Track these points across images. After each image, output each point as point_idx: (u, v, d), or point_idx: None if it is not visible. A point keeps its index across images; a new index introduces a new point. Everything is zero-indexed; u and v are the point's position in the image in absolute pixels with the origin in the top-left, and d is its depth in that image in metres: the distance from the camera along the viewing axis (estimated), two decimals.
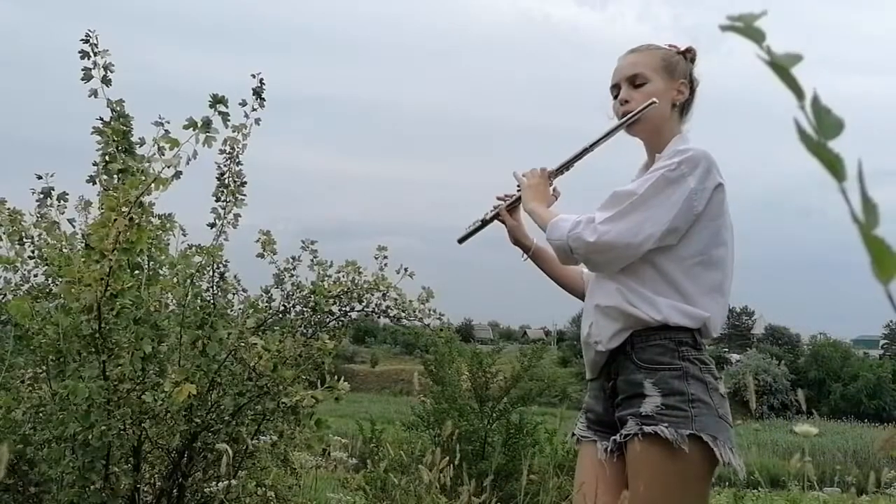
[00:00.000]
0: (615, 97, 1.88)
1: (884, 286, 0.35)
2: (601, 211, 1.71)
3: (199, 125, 2.23)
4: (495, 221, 2.04)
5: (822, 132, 0.32)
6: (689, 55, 1.89)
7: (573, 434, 1.91)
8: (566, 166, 1.96)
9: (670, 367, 1.64)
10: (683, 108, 1.87)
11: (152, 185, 2.16)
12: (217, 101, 2.39)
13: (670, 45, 1.90)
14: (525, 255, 2.05)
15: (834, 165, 0.33)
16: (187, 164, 2.18)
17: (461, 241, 2.07)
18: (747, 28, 0.33)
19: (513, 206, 2.02)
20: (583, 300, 1.99)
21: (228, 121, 2.47)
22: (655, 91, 1.81)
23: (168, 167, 2.12)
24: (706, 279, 1.70)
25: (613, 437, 1.72)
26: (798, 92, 0.32)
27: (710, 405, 1.62)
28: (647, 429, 1.61)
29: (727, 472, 1.68)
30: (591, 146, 1.92)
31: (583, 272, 2.05)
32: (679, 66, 1.86)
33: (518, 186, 2.00)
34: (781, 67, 0.32)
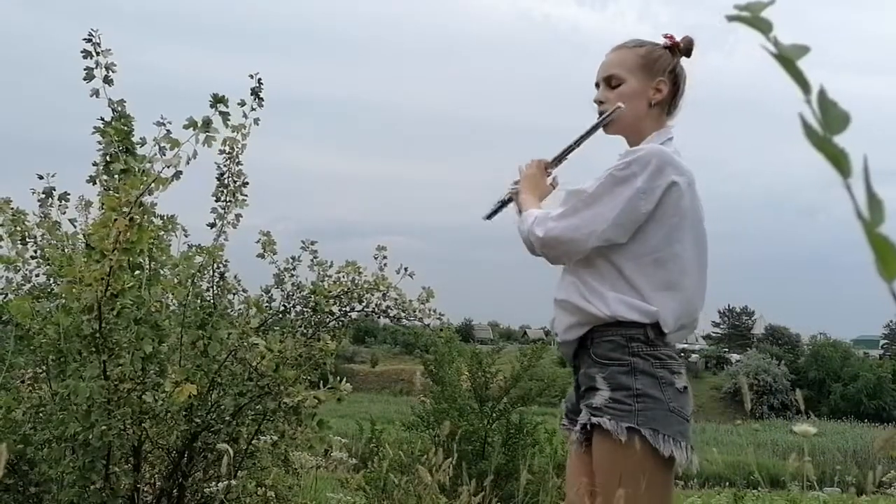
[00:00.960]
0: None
1: (888, 284, 0.35)
2: (554, 208, 1.80)
3: (199, 125, 2.23)
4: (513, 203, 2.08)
5: (827, 126, 0.32)
6: (678, 49, 1.88)
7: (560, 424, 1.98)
8: (558, 160, 2.01)
9: (619, 363, 1.68)
10: (668, 104, 1.88)
11: (153, 184, 2.16)
12: (217, 100, 2.39)
13: (666, 36, 1.89)
14: None
15: (839, 161, 0.32)
16: (187, 163, 2.18)
17: (489, 216, 2.08)
18: (754, 18, 0.32)
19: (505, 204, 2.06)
20: None
21: (228, 121, 2.47)
22: (630, 91, 1.84)
23: (168, 167, 2.12)
24: (660, 276, 1.73)
25: (574, 427, 1.78)
26: (804, 85, 0.32)
27: (658, 399, 1.65)
28: (594, 419, 1.67)
29: (685, 466, 1.69)
30: (576, 143, 1.96)
31: None
32: (660, 62, 1.85)
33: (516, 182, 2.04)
34: (788, 59, 0.32)
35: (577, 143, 1.96)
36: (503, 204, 2.04)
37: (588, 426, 1.70)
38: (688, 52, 1.90)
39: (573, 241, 1.73)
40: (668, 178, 1.69)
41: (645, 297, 1.71)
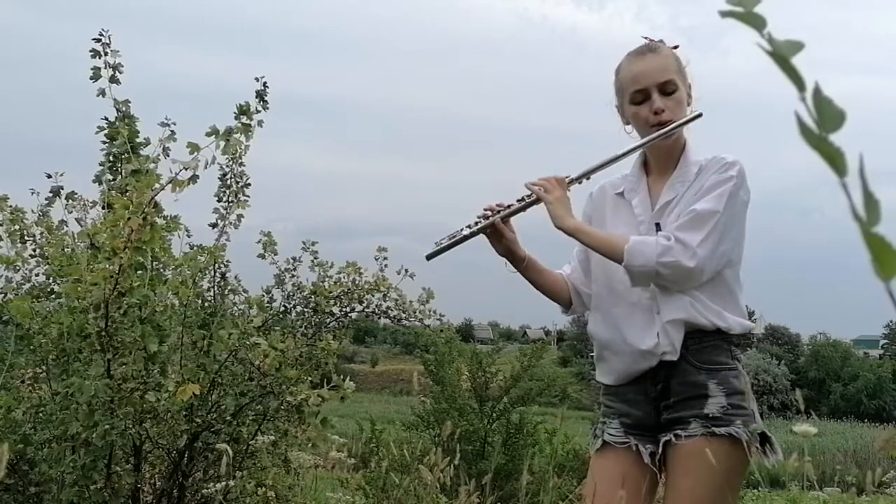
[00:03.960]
0: (638, 103, 1.78)
1: (885, 284, 0.35)
2: (686, 232, 1.66)
3: (219, 133, 2.25)
4: (480, 234, 1.88)
5: (823, 125, 0.32)
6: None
7: (597, 438, 1.84)
8: (586, 175, 1.87)
9: (728, 367, 1.67)
10: None
11: (168, 186, 2.17)
12: (242, 111, 2.42)
13: (648, 39, 1.84)
14: (514, 268, 1.91)
15: (835, 160, 0.32)
16: (205, 168, 2.19)
17: (430, 257, 1.90)
18: (747, 14, 0.32)
19: (509, 216, 1.87)
20: (566, 306, 1.96)
21: (251, 132, 2.49)
22: (682, 98, 1.78)
23: (186, 169, 2.13)
24: (740, 281, 1.77)
25: (666, 439, 1.68)
26: (799, 82, 0.32)
27: (752, 399, 1.70)
28: (720, 430, 1.61)
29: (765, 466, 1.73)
30: (617, 157, 1.84)
31: (568, 277, 1.97)
32: (683, 64, 1.84)
33: (525, 196, 1.86)
34: (782, 56, 0.32)
35: (619, 157, 1.84)
36: (463, 238, 1.86)
37: (707, 436, 1.61)
38: None
39: (712, 266, 1.68)
40: (749, 188, 1.74)
41: (741, 305, 1.75)
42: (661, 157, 1.83)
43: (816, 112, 0.32)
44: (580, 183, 1.87)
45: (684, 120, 1.75)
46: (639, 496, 1.70)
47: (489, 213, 1.86)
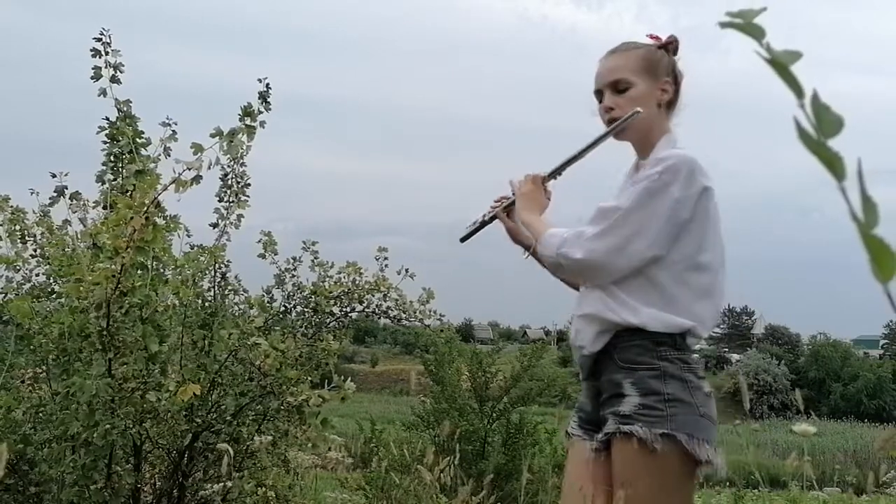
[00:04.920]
0: (600, 101, 1.85)
1: (883, 286, 0.35)
2: (587, 226, 1.72)
3: (223, 135, 2.26)
4: (495, 221, 2.04)
5: (821, 130, 0.32)
6: (671, 47, 1.86)
7: (566, 432, 1.93)
8: (557, 172, 1.95)
9: (649, 367, 1.65)
10: (670, 105, 1.85)
11: (171, 186, 2.17)
12: (246, 113, 2.42)
13: (651, 37, 1.86)
14: (527, 253, 2.01)
15: (833, 164, 0.33)
16: (209, 169, 2.20)
17: (464, 239, 2.06)
18: (747, 25, 0.33)
19: (509, 208, 2.00)
20: (576, 289, 1.99)
21: (254, 134, 2.50)
22: (639, 95, 1.79)
23: (189, 170, 2.13)
24: (696, 283, 1.70)
25: (597, 436, 1.74)
26: (797, 90, 0.32)
27: (690, 404, 1.63)
28: (625, 428, 1.63)
29: (709, 471, 1.67)
30: (580, 153, 1.90)
31: None
32: (661, 62, 1.83)
33: (513, 192, 1.99)
34: (781, 65, 0.32)
35: (582, 153, 1.90)
36: (483, 224, 2.00)
37: (616, 434, 1.64)
38: (675, 50, 1.87)
39: (616, 262, 1.67)
40: (701, 184, 1.66)
41: (680, 307, 1.68)
42: (638, 152, 1.86)
43: (815, 118, 0.33)
44: (555, 179, 1.96)
45: (623, 119, 1.79)
46: (600, 485, 1.73)
47: (496, 203, 2.02)
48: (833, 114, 0.32)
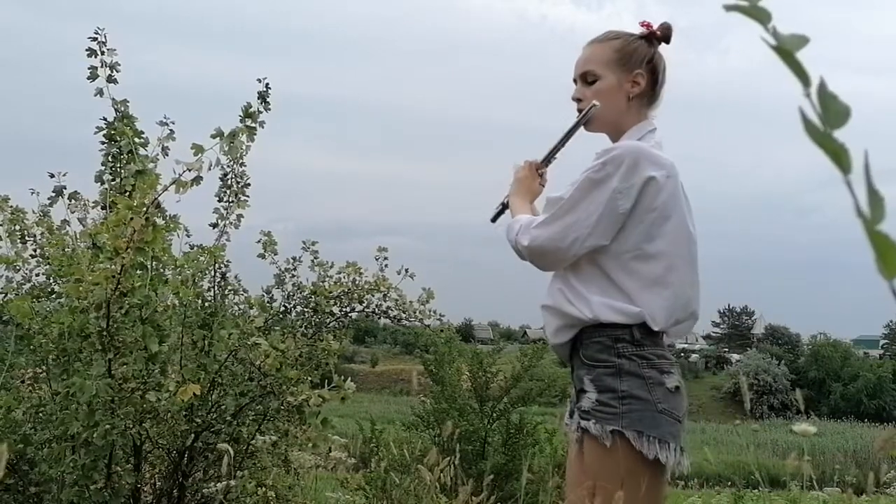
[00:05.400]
0: None
1: (888, 282, 0.35)
2: (540, 215, 1.78)
3: (224, 136, 2.25)
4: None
5: (827, 121, 0.32)
6: (657, 35, 1.85)
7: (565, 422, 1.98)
8: (547, 160, 2.00)
9: (605, 364, 1.67)
10: (649, 96, 1.84)
11: (171, 187, 2.17)
12: (247, 114, 2.42)
13: (643, 24, 1.86)
14: None
15: (839, 156, 0.32)
16: (209, 170, 2.20)
17: (493, 219, 2.07)
18: (752, 8, 0.32)
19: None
20: None
21: (255, 135, 2.50)
22: (606, 87, 1.81)
23: (189, 170, 2.13)
24: (644, 273, 1.70)
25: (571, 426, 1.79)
26: (804, 77, 0.32)
27: (646, 401, 1.63)
28: (582, 423, 1.67)
29: (673, 467, 1.66)
30: (560, 141, 1.95)
31: None
32: (636, 54, 1.82)
33: None
34: (786, 51, 0.31)
35: (562, 142, 1.94)
36: (505, 206, 2.03)
37: (578, 429, 1.69)
38: (666, 38, 1.86)
39: (557, 251, 1.71)
40: (644, 174, 1.66)
41: (631, 296, 1.69)
42: (612, 142, 1.87)
43: (821, 108, 0.32)
44: (547, 165, 2.00)
45: (583, 113, 1.83)
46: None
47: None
48: (840, 103, 0.31)
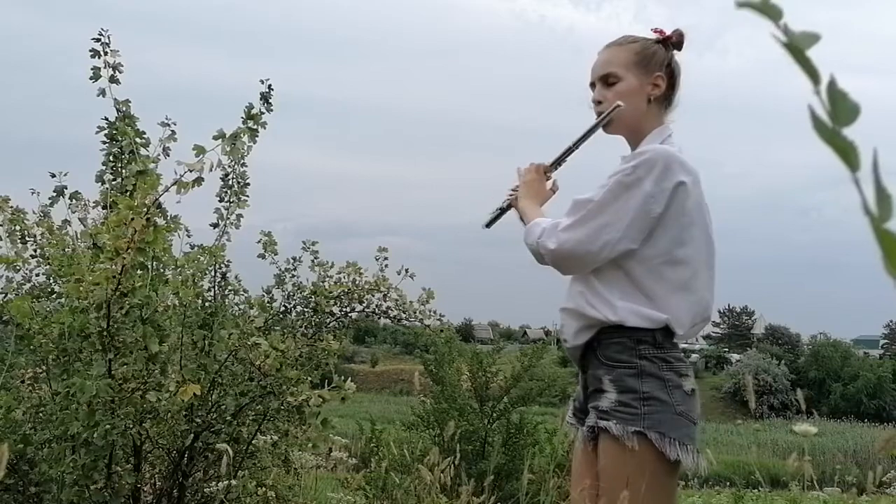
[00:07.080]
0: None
1: (895, 280, 0.34)
2: (564, 218, 1.75)
3: (226, 137, 2.25)
4: (512, 209, 2.05)
5: (836, 118, 0.31)
6: (671, 41, 1.86)
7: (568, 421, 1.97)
8: (557, 163, 1.97)
9: (627, 365, 1.66)
10: (666, 99, 1.85)
11: (173, 187, 2.17)
12: (249, 116, 2.42)
13: (656, 31, 1.87)
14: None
15: (848, 154, 0.32)
16: (210, 171, 2.19)
17: (487, 225, 2.06)
18: (763, 4, 0.32)
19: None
20: None
21: (257, 136, 2.50)
22: (628, 89, 1.81)
23: (191, 171, 2.13)
24: (672, 278, 1.70)
25: (582, 426, 1.78)
26: (813, 75, 0.31)
27: (666, 402, 1.63)
28: (601, 423, 1.66)
29: (692, 469, 1.68)
30: (574, 144, 1.93)
31: None
32: (656, 57, 1.83)
33: None
34: (797, 49, 0.31)
35: (577, 144, 1.92)
36: (502, 211, 2.02)
37: (595, 429, 1.68)
38: (679, 45, 1.87)
39: (587, 254, 1.69)
40: (676, 179, 1.65)
41: (657, 301, 1.68)
42: (630, 146, 1.87)
43: (830, 105, 0.32)
44: (556, 169, 1.98)
45: (606, 113, 1.82)
46: (592, 472, 1.74)
47: (512, 193, 2.02)
48: (850, 101, 0.31)
